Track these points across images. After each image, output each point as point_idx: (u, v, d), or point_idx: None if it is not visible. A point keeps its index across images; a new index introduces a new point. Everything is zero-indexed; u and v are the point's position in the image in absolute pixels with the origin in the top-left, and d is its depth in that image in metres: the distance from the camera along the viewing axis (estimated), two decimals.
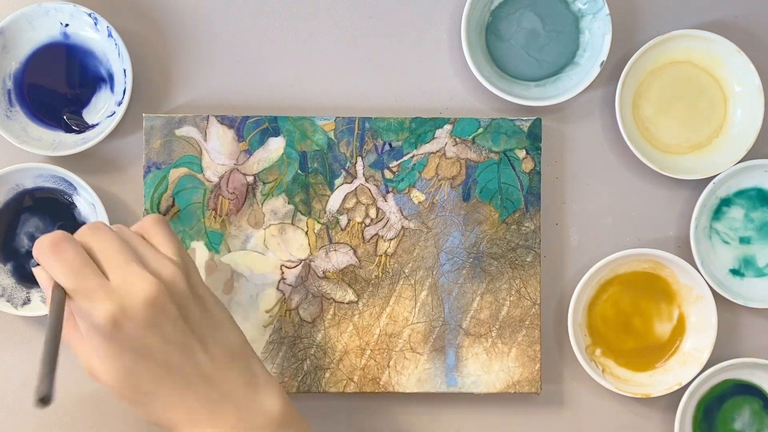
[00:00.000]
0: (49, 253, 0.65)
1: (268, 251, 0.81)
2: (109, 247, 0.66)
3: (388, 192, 0.82)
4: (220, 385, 0.67)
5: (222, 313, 0.70)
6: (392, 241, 0.82)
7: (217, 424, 0.67)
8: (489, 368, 0.81)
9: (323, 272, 0.81)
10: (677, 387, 0.82)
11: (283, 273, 0.81)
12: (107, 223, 0.76)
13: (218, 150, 0.81)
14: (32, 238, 0.81)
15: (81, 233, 0.68)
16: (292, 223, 0.81)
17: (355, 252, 0.81)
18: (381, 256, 0.82)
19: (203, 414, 0.67)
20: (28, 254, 0.81)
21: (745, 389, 0.84)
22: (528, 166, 0.82)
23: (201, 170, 0.81)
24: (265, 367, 0.70)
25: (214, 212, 0.81)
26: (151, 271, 0.66)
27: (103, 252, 0.66)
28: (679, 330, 0.84)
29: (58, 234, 0.66)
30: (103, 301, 0.64)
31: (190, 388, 0.67)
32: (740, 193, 0.84)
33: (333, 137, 0.81)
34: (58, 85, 0.82)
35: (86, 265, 0.65)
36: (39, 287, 0.81)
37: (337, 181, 0.81)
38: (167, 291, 0.66)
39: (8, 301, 0.80)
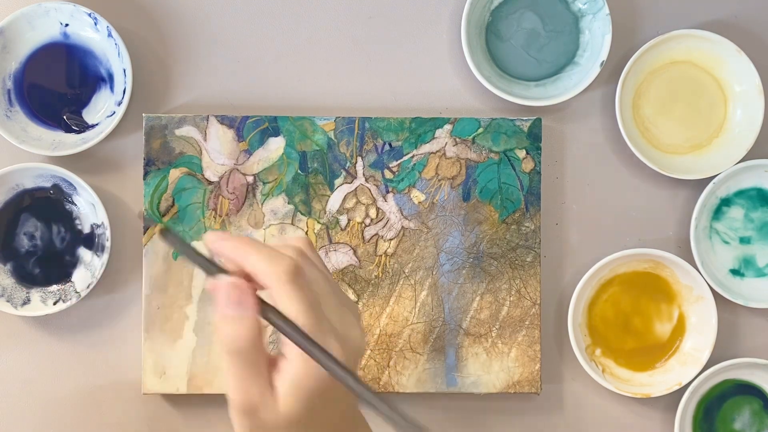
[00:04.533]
0: (290, 282, 0.63)
1: None
2: (322, 286, 0.66)
3: (388, 192, 0.82)
4: None
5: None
6: (392, 241, 0.82)
7: None
8: (489, 368, 0.81)
9: None
10: (677, 387, 0.82)
11: None
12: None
13: (218, 150, 0.81)
14: (32, 238, 0.81)
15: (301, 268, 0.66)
16: (292, 223, 0.81)
17: (355, 252, 0.81)
18: (381, 256, 0.82)
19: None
20: (28, 254, 0.81)
21: (745, 389, 0.84)
22: (528, 166, 0.82)
23: (201, 170, 0.81)
24: None
25: (214, 212, 0.81)
26: (351, 311, 0.67)
27: (318, 290, 0.65)
28: (679, 330, 0.84)
29: (293, 263, 0.63)
30: (333, 343, 0.63)
31: None
32: (740, 193, 0.84)
33: (333, 137, 0.81)
34: (58, 85, 0.82)
35: (317, 304, 0.64)
36: (38, 287, 0.81)
37: (337, 181, 0.81)
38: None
39: (8, 301, 0.80)
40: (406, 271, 0.82)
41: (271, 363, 0.64)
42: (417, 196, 0.82)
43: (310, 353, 0.63)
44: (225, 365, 0.64)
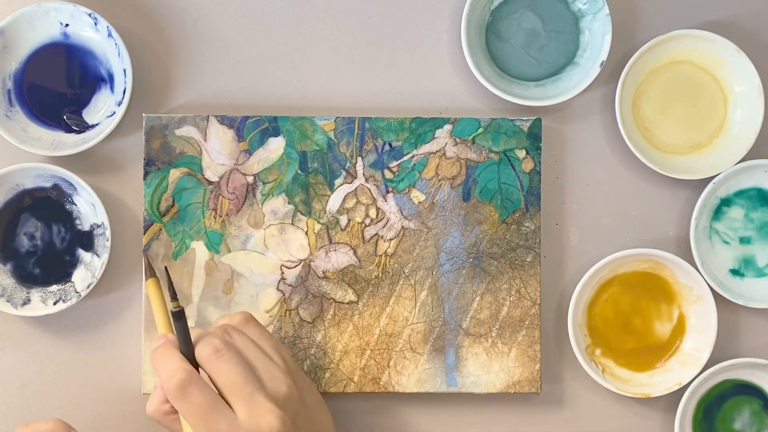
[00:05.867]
0: (177, 397, 0.68)
1: (268, 251, 0.81)
2: (233, 377, 0.69)
3: (388, 192, 0.82)
4: None
5: (319, 406, 0.74)
6: (392, 241, 0.82)
7: None
8: (489, 368, 0.81)
9: (323, 272, 0.81)
10: (677, 387, 0.82)
11: (283, 273, 0.81)
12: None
13: (218, 150, 0.81)
14: (32, 238, 0.81)
15: (204, 359, 0.70)
16: (292, 223, 0.81)
17: (355, 252, 0.81)
18: (381, 256, 0.82)
19: None
20: (28, 254, 0.81)
21: (745, 389, 0.84)
22: (528, 166, 0.82)
23: (201, 170, 0.81)
24: None
25: (214, 212, 0.81)
26: (271, 395, 0.69)
27: (227, 384, 0.69)
28: (679, 330, 0.84)
29: (182, 375, 0.68)
30: None
31: None
32: (740, 193, 0.84)
33: (333, 137, 0.81)
34: (58, 85, 0.82)
35: (213, 407, 0.68)
36: (38, 287, 0.81)
37: (337, 181, 0.81)
38: (286, 418, 0.68)
39: (8, 301, 0.80)
40: (406, 271, 0.82)
41: None
42: (417, 196, 0.82)
43: None
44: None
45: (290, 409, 0.70)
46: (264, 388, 0.69)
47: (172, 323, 0.72)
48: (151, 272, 0.78)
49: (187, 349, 0.71)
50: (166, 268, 0.76)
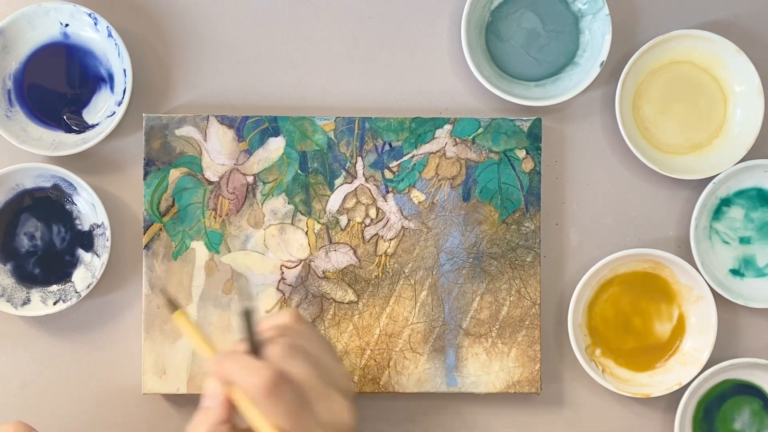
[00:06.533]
0: (270, 395, 0.66)
1: (268, 251, 0.81)
2: (308, 375, 0.68)
3: (388, 192, 0.82)
4: None
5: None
6: (392, 241, 0.82)
7: None
8: (489, 368, 0.81)
9: (323, 272, 0.81)
10: (677, 387, 0.82)
11: (283, 273, 0.81)
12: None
13: (218, 150, 0.81)
14: (32, 238, 0.81)
15: (279, 357, 0.68)
16: (292, 223, 0.81)
17: (355, 252, 0.81)
18: (381, 256, 0.82)
19: None
20: (28, 254, 0.81)
21: (745, 389, 0.84)
22: (528, 166, 0.82)
23: (201, 170, 0.81)
24: None
25: (214, 212, 0.81)
26: (339, 391, 0.69)
27: (305, 381, 0.68)
28: (679, 330, 0.84)
29: (273, 373, 0.67)
30: None
31: None
32: (740, 193, 0.84)
33: (333, 137, 0.81)
34: (58, 85, 0.82)
35: (302, 406, 0.67)
36: (38, 287, 0.81)
37: (337, 181, 0.81)
38: (354, 413, 0.69)
39: (8, 301, 0.80)
40: (406, 271, 0.82)
41: None
42: (417, 196, 0.82)
43: None
44: None
45: (353, 403, 0.71)
46: (335, 385, 0.70)
47: (244, 322, 0.69)
48: (173, 306, 0.73)
49: (255, 349, 0.69)
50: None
